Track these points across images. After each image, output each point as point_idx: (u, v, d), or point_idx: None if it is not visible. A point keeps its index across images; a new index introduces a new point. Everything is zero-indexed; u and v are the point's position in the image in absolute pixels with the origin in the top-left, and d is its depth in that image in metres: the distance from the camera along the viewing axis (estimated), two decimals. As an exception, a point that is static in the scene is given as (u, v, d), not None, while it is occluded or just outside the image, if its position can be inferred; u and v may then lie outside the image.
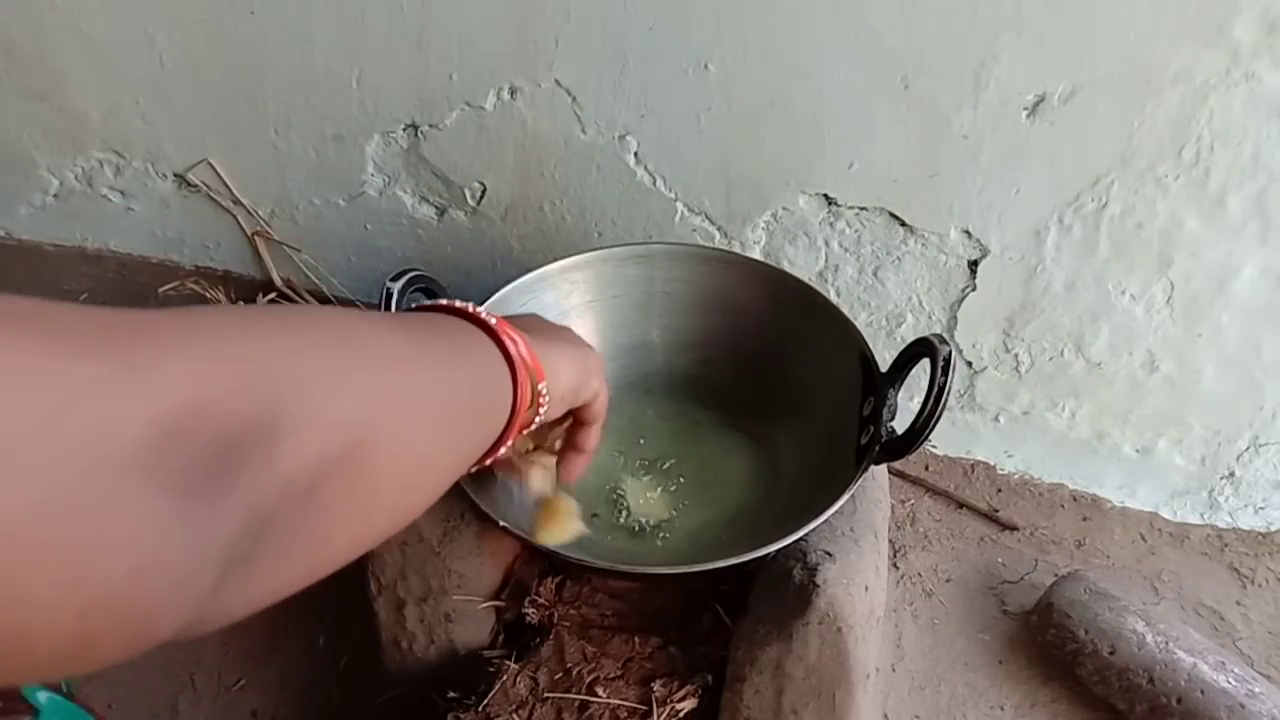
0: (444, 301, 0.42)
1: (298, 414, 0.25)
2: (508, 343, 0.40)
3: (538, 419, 0.44)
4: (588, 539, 0.62)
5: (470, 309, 0.41)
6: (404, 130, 0.91)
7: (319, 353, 0.28)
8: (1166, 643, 0.78)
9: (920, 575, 0.94)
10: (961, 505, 1.01)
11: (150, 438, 0.20)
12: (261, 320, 0.28)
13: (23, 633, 0.18)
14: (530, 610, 0.69)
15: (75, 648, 0.19)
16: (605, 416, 0.54)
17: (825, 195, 0.85)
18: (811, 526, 0.59)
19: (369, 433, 0.28)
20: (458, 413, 0.36)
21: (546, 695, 0.64)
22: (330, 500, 0.27)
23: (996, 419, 0.99)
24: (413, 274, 0.63)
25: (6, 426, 0.18)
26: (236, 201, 1.01)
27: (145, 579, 0.20)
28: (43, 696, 0.59)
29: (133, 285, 1.12)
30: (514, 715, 0.63)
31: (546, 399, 0.43)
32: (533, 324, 0.47)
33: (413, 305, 0.48)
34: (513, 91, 0.85)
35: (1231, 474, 0.95)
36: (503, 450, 0.43)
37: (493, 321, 0.40)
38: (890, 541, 0.94)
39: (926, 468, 1.04)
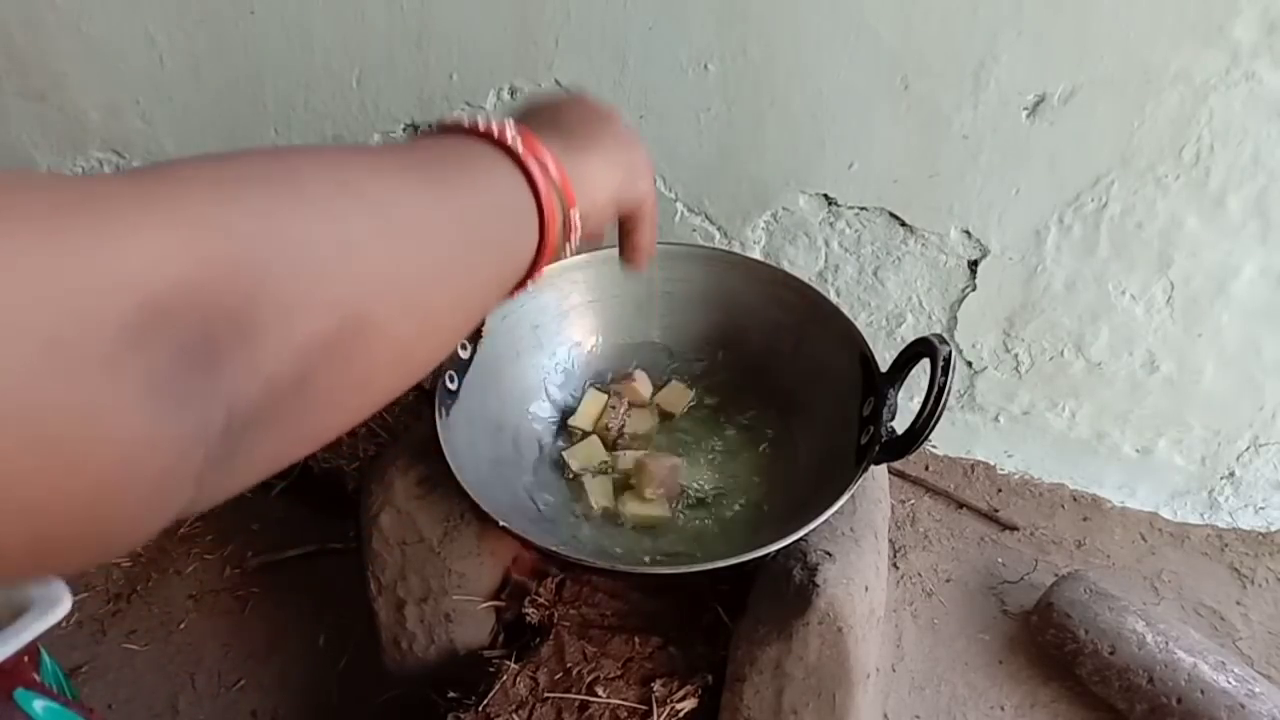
0: (465, 122, 0.36)
1: (284, 299, 0.23)
2: (534, 168, 0.36)
3: (570, 245, 0.40)
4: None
5: (494, 130, 0.36)
6: (404, 130, 0.91)
7: (310, 215, 0.25)
8: (1166, 643, 0.78)
9: (920, 575, 0.94)
10: (961, 505, 1.01)
11: (126, 328, 0.19)
12: (245, 177, 0.24)
13: (40, 537, 0.19)
14: (530, 610, 0.69)
15: (94, 538, 0.20)
16: (655, 214, 0.51)
17: (825, 195, 0.85)
18: (811, 526, 0.59)
19: (366, 305, 0.26)
20: (472, 261, 0.33)
21: (546, 695, 0.64)
22: (323, 385, 0.25)
23: (996, 419, 0.99)
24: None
25: None
26: (236, 201, 1.01)
27: (135, 468, 0.20)
28: (39, 705, 0.59)
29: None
30: (514, 715, 0.63)
31: (579, 224, 0.39)
32: (568, 117, 0.42)
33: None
34: (513, 91, 0.85)
35: (1231, 474, 0.95)
36: (530, 284, 0.39)
37: (519, 148, 0.36)
38: (890, 541, 0.94)
39: (926, 468, 1.04)
